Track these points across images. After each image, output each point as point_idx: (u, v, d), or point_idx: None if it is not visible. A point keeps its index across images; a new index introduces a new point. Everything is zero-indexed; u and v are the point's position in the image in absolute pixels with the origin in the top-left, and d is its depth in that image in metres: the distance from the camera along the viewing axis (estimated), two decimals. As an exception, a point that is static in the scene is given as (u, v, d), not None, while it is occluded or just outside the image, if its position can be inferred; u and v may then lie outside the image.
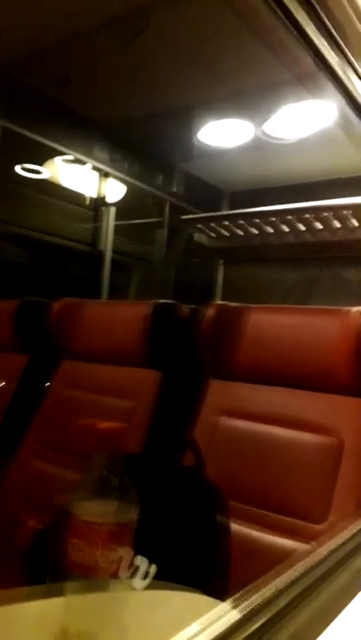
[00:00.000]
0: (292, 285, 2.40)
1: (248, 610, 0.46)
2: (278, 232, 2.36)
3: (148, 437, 1.19)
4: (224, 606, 0.47)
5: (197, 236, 2.61)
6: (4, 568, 0.89)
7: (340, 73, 0.74)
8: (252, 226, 2.41)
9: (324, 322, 1.12)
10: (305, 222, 2.27)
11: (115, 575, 0.50)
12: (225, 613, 0.45)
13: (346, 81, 0.76)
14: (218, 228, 2.50)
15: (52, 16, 1.59)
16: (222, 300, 2.17)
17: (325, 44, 0.68)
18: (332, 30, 0.67)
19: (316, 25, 0.65)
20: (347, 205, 2.09)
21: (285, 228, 2.33)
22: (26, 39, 1.71)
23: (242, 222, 2.40)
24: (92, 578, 0.50)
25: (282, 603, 0.48)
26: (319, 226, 2.26)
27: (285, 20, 0.63)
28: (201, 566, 0.81)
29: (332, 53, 0.71)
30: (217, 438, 1.11)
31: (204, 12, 1.53)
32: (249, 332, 1.18)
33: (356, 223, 2.18)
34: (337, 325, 1.08)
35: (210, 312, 1.24)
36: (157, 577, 0.62)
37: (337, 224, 2.21)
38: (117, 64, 1.86)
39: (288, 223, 2.31)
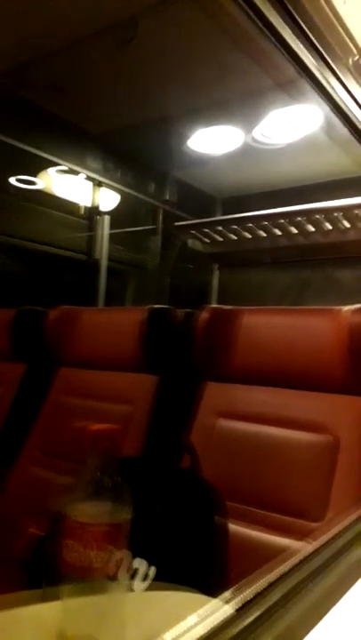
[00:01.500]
0: (286, 288, 2.42)
1: (242, 604, 0.46)
2: (271, 236, 2.38)
3: (147, 441, 1.20)
4: (217, 601, 0.47)
5: (191, 242, 2.63)
6: (4, 575, 0.89)
7: (321, 77, 0.76)
8: (244, 230, 2.42)
9: (317, 321, 1.13)
10: (297, 225, 2.28)
11: (113, 577, 0.51)
12: (219, 608, 0.46)
13: (326, 85, 0.78)
14: (211, 234, 2.51)
15: (41, 27, 1.61)
16: (218, 304, 2.18)
17: (304, 48, 0.70)
18: (310, 35, 0.68)
19: (293, 30, 0.66)
20: (338, 207, 2.11)
21: (278, 232, 2.35)
22: (16, 50, 1.74)
23: (235, 227, 2.42)
24: (88, 579, 0.51)
25: (276, 596, 0.49)
26: (311, 228, 2.28)
27: (263, 27, 0.64)
28: (199, 566, 0.81)
29: (311, 58, 0.72)
30: (214, 440, 1.12)
31: (190, 21, 1.55)
32: (243, 333, 1.18)
33: (347, 224, 2.19)
34: (329, 324, 1.09)
35: (204, 315, 1.25)
36: (156, 577, 0.63)
37: (328, 226, 2.23)
38: (107, 74, 1.89)
39: (280, 227, 2.32)
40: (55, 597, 0.52)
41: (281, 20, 0.65)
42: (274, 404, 1.10)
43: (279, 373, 1.12)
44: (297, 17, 0.68)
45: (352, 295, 2.14)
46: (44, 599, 0.58)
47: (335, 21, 0.74)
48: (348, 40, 0.79)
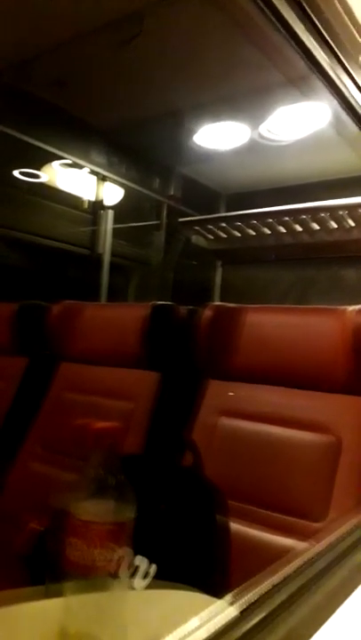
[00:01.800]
0: (290, 286, 2.41)
1: (246, 606, 0.46)
2: (275, 233, 2.37)
3: (148, 438, 1.19)
4: (222, 603, 0.47)
5: (195, 239, 2.62)
6: (5, 570, 0.89)
7: (332, 73, 0.75)
8: (249, 227, 2.42)
9: (321, 321, 1.12)
10: (302, 223, 2.28)
11: (114, 575, 0.51)
12: (223, 610, 0.45)
13: (337, 81, 0.77)
14: (215, 230, 2.51)
15: (47, 21, 1.60)
16: (221, 301, 2.18)
17: (315, 44, 0.69)
18: (322, 30, 0.67)
19: (305, 25, 0.65)
20: (343, 206, 2.10)
21: (282, 230, 2.34)
22: (21, 44, 1.73)
23: (239, 224, 2.41)
24: (91, 577, 0.50)
25: (280, 599, 0.48)
26: (316, 226, 2.27)
27: (275, 21, 0.63)
28: (200, 565, 0.81)
29: (323, 54, 0.71)
30: (216, 438, 1.12)
31: (198, 15, 1.54)
32: (246, 332, 1.18)
33: (352, 223, 2.19)
34: (333, 324, 1.08)
35: (207, 313, 1.25)
36: (157, 575, 0.63)
37: (333, 224, 2.22)
38: (113, 68, 1.87)
39: (285, 224, 2.32)
40: (57, 594, 0.52)
41: (293, 14, 0.64)
42: (276, 403, 1.09)
43: (282, 372, 1.12)
44: (309, 11, 0.67)
45: (357, 295, 2.14)
46: (47, 596, 0.58)
47: (347, 17, 0.73)
48: (359, 36, 0.78)
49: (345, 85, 0.80)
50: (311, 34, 0.70)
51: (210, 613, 0.45)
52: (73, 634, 0.52)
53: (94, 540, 0.49)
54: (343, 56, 0.74)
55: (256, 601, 0.47)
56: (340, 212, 2.14)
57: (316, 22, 0.68)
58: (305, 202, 2.20)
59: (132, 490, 0.53)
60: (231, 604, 0.46)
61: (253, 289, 2.56)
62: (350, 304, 1.11)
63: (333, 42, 0.73)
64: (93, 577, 0.50)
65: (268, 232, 2.40)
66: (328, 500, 0.94)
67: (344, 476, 0.96)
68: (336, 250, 2.31)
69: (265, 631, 0.44)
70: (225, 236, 2.52)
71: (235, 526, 0.96)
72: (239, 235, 2.48)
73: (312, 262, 2.42)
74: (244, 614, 0.45)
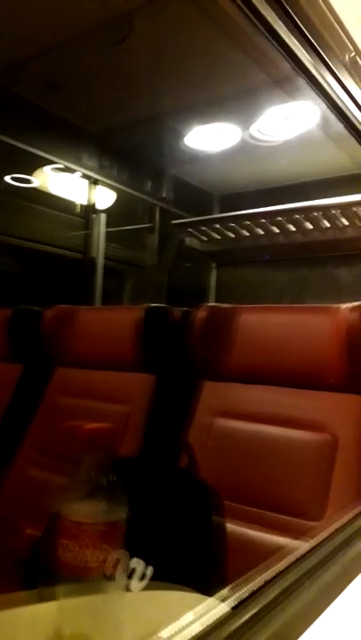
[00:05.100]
0: (285, 286, 2.42)
1: (238, 602, 0.46)
2: (269, 233, 2.38)
3: (145, 441, 1.19)
4: (213, 600, 0.47)
5: (189, 240, 2.63)
6: (2, 576, 0.88)
7: (316, 74, 0.75)
8: (242, 228, 2.42)
9: (315, 319, 1.12)
10: (295, 223, 2.29)
11: (110, 577, 0.51)
12: (214, 606, 0.46)
13: (322, 81, 0.77)
14: (209, 232, 2.51)
15: (37, 24, 1.60)
16: (216, 302, 2.19)
17: (298, 44, 0.69)
18: (305, 30, 0.68)
19: (287, 25, 0.66)
20: (335, 205, 2.11)
21: (276, 230, 2.35)
22: (11, 48, 1.73)
23: (232, 225, 2.42)
24: (84, 578, 0.50)
25: (272, 594, 0.48)
26: (309, 226, 2.28)
27: (256, 22, 0.63)
28: (198, 566, 0.81)
29: (306, 54, 0.72)
30: (213, 439, 1.12)
31: (186, 18, 1.55)
32: (240, 332, 1.18)
33: (345, 222, 2.19)
34: (327, 322, 1.09)
35: (201, 314, 1.25)
36: (155, 576, 0.63)
37: (326, 223, 2.23)
38: (103, 71, 1.88)
39: (278, 224, 2.32)
40: (52, 597, 0.52)
41: (276, 17, 0.64)
42: (272, 402, 1.09)
43: (277, 372, 1.12)
44: (292, 13, 0.67)
45: (350, 293, 2.14)
46: (41, 599, 0.58)
47: (331, 18, 0.74)
48: (343, 36, 0.78)
49: (330, 86, 0.80)
50: (295, 35, 0.70)
51: (202, 610, 0.45)
52: (67, 636, 0.51)
53: (86, 541, 0.49)
54: (327, 56, 0.75)
55: (248, 597, 0.47)
56: (333, 211, 2.14)
57: (300, 23, 0.69)
58: (298, 201, 2.21)
59: (124, 490, 0.53)
60: (223, 600, 0.46)
61: (248, 289, 2.57)
62: (344, 302, 1.11)
63: (317, 42, 0.74)
64: (87, 578, 0.50)
65: (262, 232, 2.41)
66: (325, 499, 0.94)
67: (341, 474, 0.96)
68: (330, 249, 2.32)
69: (257, 626, 0.44)
70: (218, 237, 2.53)
71: (232, 526, 0.96)
72: (233, 236, 2.49)
73: (306, 262, 2.43)
74: (237, 610, 0.45)
